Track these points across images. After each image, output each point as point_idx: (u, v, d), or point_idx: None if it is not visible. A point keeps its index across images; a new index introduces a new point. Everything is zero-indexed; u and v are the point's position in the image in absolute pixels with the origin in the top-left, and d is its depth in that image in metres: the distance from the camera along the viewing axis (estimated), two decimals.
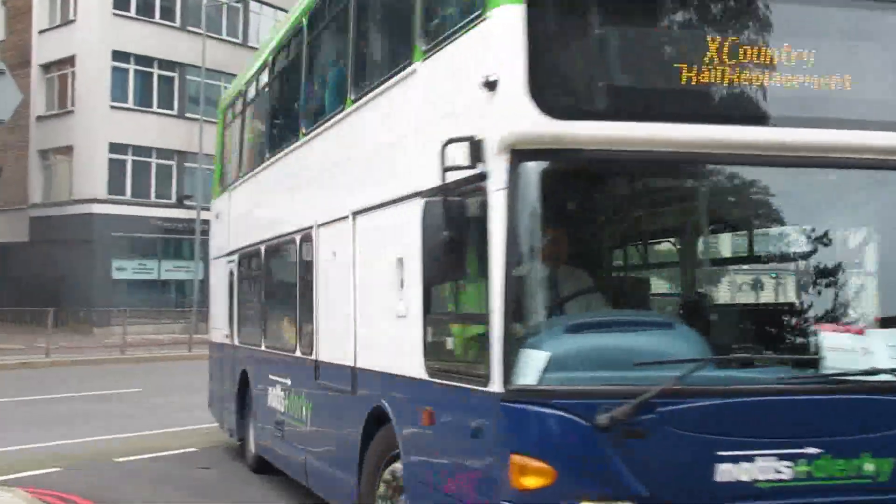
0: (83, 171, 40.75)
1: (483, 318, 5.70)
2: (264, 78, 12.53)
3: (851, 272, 6.40)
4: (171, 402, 19.27)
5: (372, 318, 7.94)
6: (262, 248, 11.97)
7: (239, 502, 10.97)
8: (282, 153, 11.04)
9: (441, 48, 6.56)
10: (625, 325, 5.99)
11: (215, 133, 16.72)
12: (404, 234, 6.96)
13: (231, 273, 13.88)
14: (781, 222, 6.66)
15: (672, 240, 7.59)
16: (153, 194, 42.33)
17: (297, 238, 10.18)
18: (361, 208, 8.14)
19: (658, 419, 5.33)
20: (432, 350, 6.63)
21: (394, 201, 7.30)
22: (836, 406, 5.63)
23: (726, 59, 5.70)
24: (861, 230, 6.45)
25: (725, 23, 5.93)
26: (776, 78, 5.82)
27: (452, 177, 5.78)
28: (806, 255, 6.49)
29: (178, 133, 41.97)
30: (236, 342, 13.45)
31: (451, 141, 5.79)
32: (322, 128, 9.45)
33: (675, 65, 5.68)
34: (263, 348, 11.92)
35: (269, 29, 39.58)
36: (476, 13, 5.98)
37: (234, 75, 16.43)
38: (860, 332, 5.92)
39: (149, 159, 42.22)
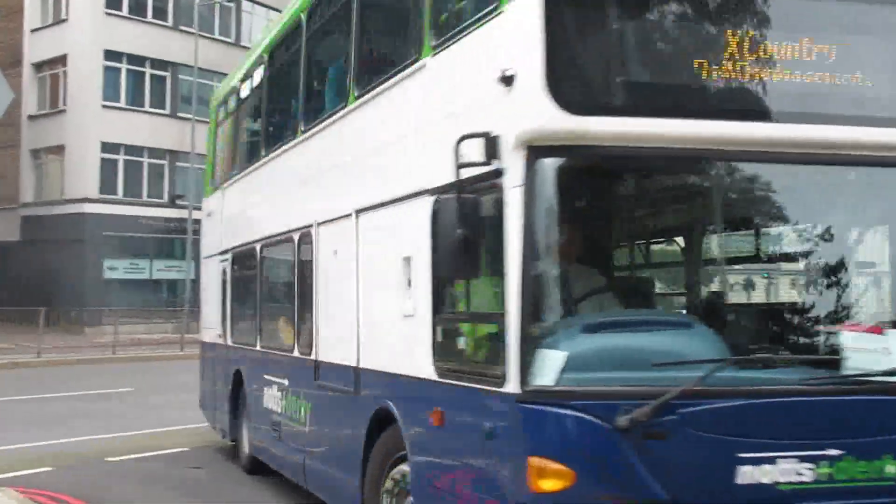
0: (75, 170, 40.66)
1: (498, 318, 5.60)
2: (259, 75, 12.29)
3: (871, 271, 6.36)
4: (163, 401, 19.22)
5: (376, 317, 7.83)
6: (258, 246, 11.81)
7: (232, 502, 10.95)
8: (278, 151, 10.90)
9: (452, 43, 6.46)
10: (642, 324, 5.91)
11: (207, 131, 16.53)
12: (412, 233, 6.87)
13: (224, 272, 13.66)
14: (800, 220, 6.51)
15: (689, 238, 7.41)
16: (145, 194, 42.24)
17: (296, 237, 10.03)
18: (365, 206, 8.02)
19: (678, 420, 5.23)
20: (442, 350, 6.51)
21: (400, 199, 7.20)
22: (858, 407, 5.54)
23: (747, 55, 5.61)
24: (880, 228, 6.37)
25: (746, 18, 5.80)
26: (797, 74, 5.72)
27: (466, 173, 5.69)
28: (825, 254, 6.36)
29: (170, 133, 41.89)
30: (229, 342, 13.24)
31: (465, 137, 5.68)
32: (322, 125, 9.31)
33: (695, 60, 5.58)
34: (259, 348, 11.75)
35: (261, 28, 39.56)
36: (491, 7, 5.88)
37: (227, 75, 16.18)
38: (880, 332, 5.87)
39: (141, 159, 42.13)
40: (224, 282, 13.65)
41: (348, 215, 8.32)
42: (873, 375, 5.66)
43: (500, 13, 5.76)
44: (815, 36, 5.74)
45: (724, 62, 5.58)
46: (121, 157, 41.35)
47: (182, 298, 38.44)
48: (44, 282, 39.13)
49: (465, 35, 6.26)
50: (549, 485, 5.21)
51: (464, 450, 6.13)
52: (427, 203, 6.55)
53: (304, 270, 9.76)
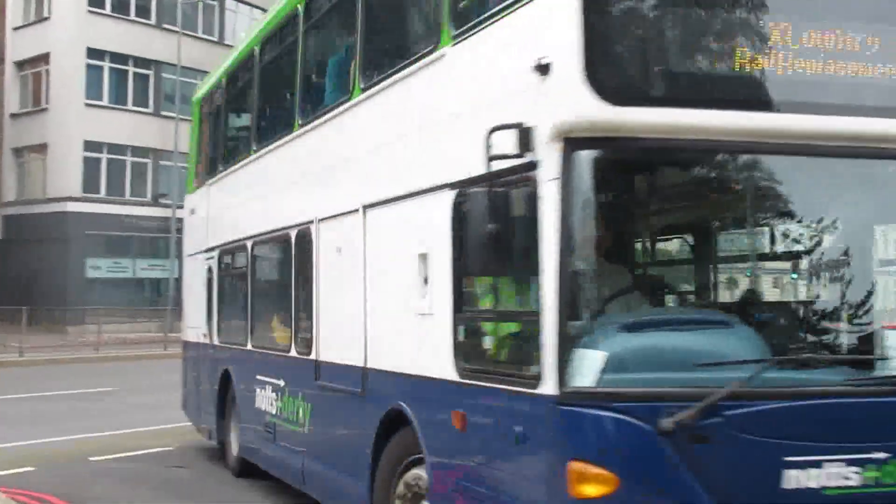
0: (57, 169, 40.50)
1: (532, 316, 5.39)
2: (250, 68, 11.97)
3: None
4: (146, 401, 19.18)
5: (386, 316, 7.60)
6: (249, 244, 11.55)
7: (218, 502, 10.92)
8: (271, 146, 10.66)
9: (477, 32, 6.23)
10: (681, 323, 5.74)
11: (189, 128, 16.23)
12: (428, 228, 6.70)
13: (210, 270, 13.42)
14: (843, 216, 6.24)
15: (729, 234, 7.20)
16: (128, 192, 42.10)
17: (293, 233, 9.77)
18: (374, 202, 7.78)
19: (723, 423, 5.04)
20: (464, 350, 6.30)
21: (415, 194, 6.99)
22: None
23: (791, 45, 5.43)
24: None
25: (791, 7, 5.62)
26: (843, 65, 5.53)
27: (494, 166, 5.49)
28: (867, 251, 6.16)
29: (153, 131, 41.76)
30: (216, 341, 13.02)
31: (496, 128, 5.47)
32: (322, 119, 9.07)
33: (738, 50, 5.40)
34: (250, 348, 11.51)
35: (245, 27, 39.48)
36: None
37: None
38: None
39: (124, 157, 41.98)
40: (210, 280, 13.40)
41: (354, 211, 8.08)
42: None
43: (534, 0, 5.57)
44: (859, 26, 5.57)
45: (768, 52, 5.42)
46: (104, 156, 41.19)
47: (166, 298, 38.31)
48: (26, 281, 38.93)
49: (493, 23, 6.03)
50: (590, 490, 5.01)
51: (490, 454, 5.92)
52: (447, 198, 6.36)
53: (303, 268, 9.52)
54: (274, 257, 11.22)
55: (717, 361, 5.26)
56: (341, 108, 8.54)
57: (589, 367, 5.13)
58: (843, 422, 5.23)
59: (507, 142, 5.43)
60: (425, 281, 6.79)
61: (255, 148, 11.35)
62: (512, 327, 5.98)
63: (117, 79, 42.16)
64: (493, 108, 5.84)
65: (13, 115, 42.51)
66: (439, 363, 6.43)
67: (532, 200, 5.37)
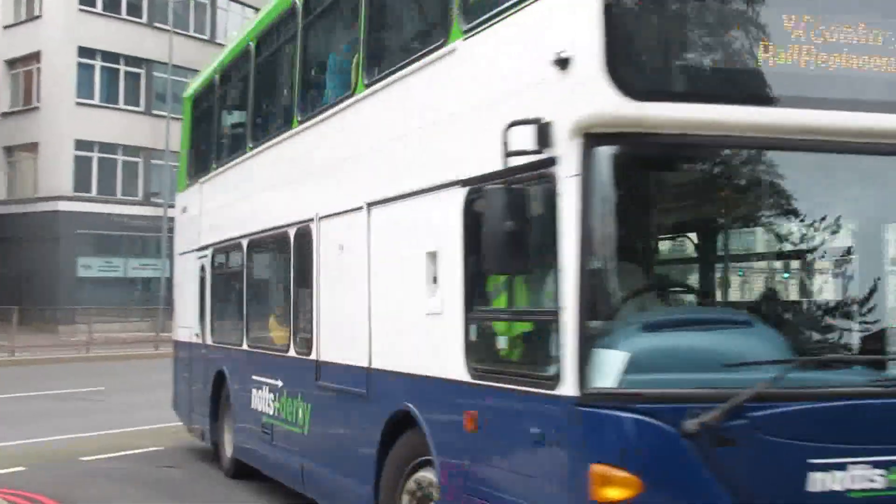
0: (48, 168, 40.43)
1: (551, 315, 5.28)
2: (245, 64, 11.73)
3: None
4: (137, 400, 19.14)
5: (392, 315, 7.46)
6: (244, 242, 11.35)
7: (210, 502, 10.90)
8: (268, 143, 10.49)
9: (492, 25, 6.09)
10: (703, 322, 5.58)
11: (181, 125, 15.98)
12: (438, 226, 6.58)
13: (203, 269, 13.18)
14: (869, 214, 6.11)
15: (751, 232, 6.99)
16: (119, 192, 42.02)
17: (291, 231, 9.58)
18: (379, 199, 7.62)
19: (748, 425, 4.93)
20: (476, 350, 6.16)
21: (423, 191, 6.86)
22: None
23: (816, 40, 5.32)
24: None
25: (815, 1, 5.47)
26: (869, 61, 5.41)
27: (511, 163, 5.41)
28: (891, 249, 6.04)
29: (144, 130, 41.69)
30: (209, 341, 12.82)
31: (514, 124, 5.36)
32: (322, 116, 8.93)
33: (763, 44, 5.30)
34: (245, 348, 11.32)
35: (237, 25, 39.41)
36: None
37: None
38: None
39: (115, 156, 41.92)
40: (203, 279, 13.17)
41: (358, 209, 7.93)
42: None
43: None
44: (883, 20, 5.46)
45: (792, 47, 5.30)
46: (95, 155, 41.12)
47: (157, 297, 38.24)
48: (17, 280, 38.85)
49: (508, 16, 5.90)
50: (613, 494, 4.88)
51: (505, 455, 5.82)
52: (458, 195, 6.24)
53: (302, 267, 9.35)
54: (271, 256, 11.06)
55: (743, 362, 5.14)
56: (343, 105, 8.42)
57: (610, 367, 5.02)
58: (869, 423, 5.14)
59: (524, 137, 5.33)
60: (434, 280, 6.67)
61: (250, 145, 11.18)
62: (528, 327, 5.86)
63: (108, 78, 42.10)
64: (508, 103, 5.73)
65: (4, 114, 42.47)
66: (449, 363, 6.32)
67: (551, 197, 5.27)
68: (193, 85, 15.11)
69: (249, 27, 12.07)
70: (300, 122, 9.46)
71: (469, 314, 6.21)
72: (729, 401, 4.88)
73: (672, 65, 5.33)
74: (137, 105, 42.85)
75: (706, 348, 5.27)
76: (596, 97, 5.08)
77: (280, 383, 9.98)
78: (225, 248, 12.37)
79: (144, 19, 42.93)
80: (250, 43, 11.44)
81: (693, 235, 7.11)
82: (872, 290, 5.97)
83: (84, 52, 40.78)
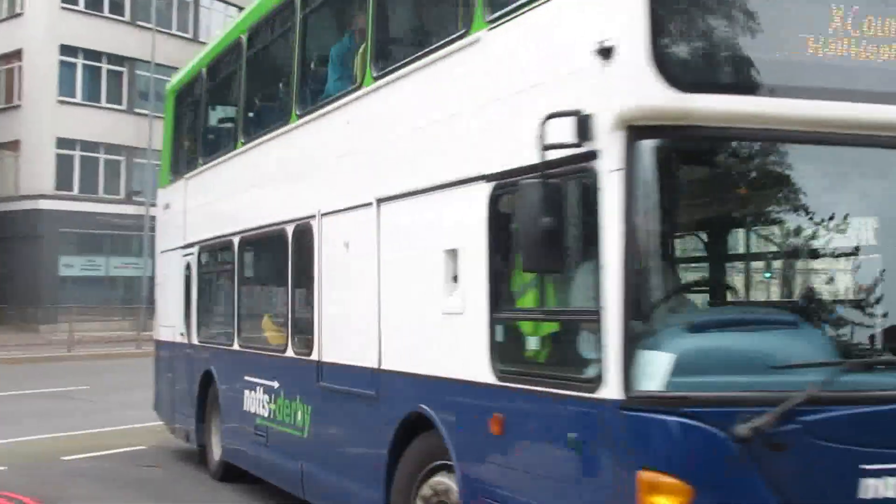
0: (30, 166, 40.25)
1: (591, 315, 5.09)
2: (235, 58, 11.38)
3: None
4: (119, 400, 19.08)
5: (405, 315, 7.22)
6: (235, 239, 11.04)
7: (194, 502, 10.86)
8: (262, 139, 10.21)
9: (520, 14, 5.88)
10: (748, 323, 5.36)
11: (163, 119, 15.58)
12: (460, 223, 6.36)
13: (188, 267, 12.84)
14: None
15: (799, 229, 6.51)
16: (101, 190, 41.89)
17: (289, 229, 9.31)
18: (390, 195, 7.37)
19: (800, 429, 4.75)
20: (503, 351, 5.95)
21: (442, 186, 6.63)
22: None
23: (868, 32, 5.16)
24: None
25: None
26: None
27: (548, 156, 5.18)
28: None
29: (126, 128, 41.53)
30: (195, 341, 12.49)
31: (552, 116, 5.15)
32: (325, 110, 8.67)
33: (815, 35, 5.12)
34: (237, 348, 11.02)
35: (220, 24, 39.34)
36: None
37: None
38: None
39: (97, 155, 41.76)
40: (188, 278, 12.84)
41: (367, 205, 7.67)
42: None
43: None
44: None
45: (842, 38, 5.16)
46: (77, 153, 40.98)
47: (139, 296, 38.12)
48: None
49: (539, 5, 5.70)
50: (662, 501, 4.71)
51: (536, 460, 5.60)
52: (482, 190, 6.04)
53: (301, 265, 9.11)
54: (266, 254, 10.79)
55: (792, 364, 4.97)
56: (349, 98, 8.17)
57: (656, 369, 4.84)
58: None
59: (563, 130, 5.13)
60: (454, 279, 6.46)
61: (242, 140, 10.92)
62: (563, 327, 5.64)
63: (91, 76, 41.93)
64: (541, 95, 5.54)
65: None
66: (471, 365, 6.11)
67: (591, 192, 5.08)
68: (177, 79, 14.63)
69: (240, 19, 11.72)
70: (299, 117, 9.21)
71: (495, 314, 5.99)
72: (781, 404, 4.71)
73: (718, 55, 5.16)
74: (120, 103, 42.70)
75: (753, 350, 5.09)
76: (641, 88, 4.91)
77: (276, 384, 9.71)
78: (213, 246, 12.08)
79: (127, 17, 42.76)
80: (242, 36, 11.13)
81: (737, 232, 6.89)
82: None
83: (66, 50, 40.60)
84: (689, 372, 4.84)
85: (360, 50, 8.08)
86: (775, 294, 6.74)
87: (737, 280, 6.92)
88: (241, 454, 10.80)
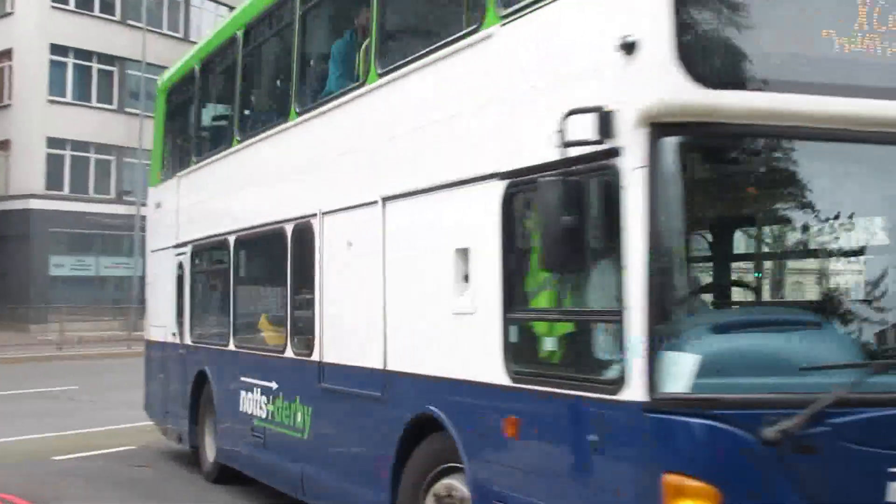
0: (20, 165, 40.14)
1: (612, 315, 5.02)
2: (231, 54, 11.17)
3: None
4: (109, 399, 19.06)
5: (412, 315, 7.09)
6: (231, 238, 10.87)
7: (185, 502, 10.86)
8: (260, 136, 10.04)
9: (537, 9, 5.77)
10: (773, 324, 5.28)
11: (154, 117, 15.31)
12: (471, 221, 6.26)
13: (181, 266, 12.62)
14: None
15: (823, 228, 6.37)
16: (92, 190, 41.81)
17: (288, 227, 9.15)
18: (396, 193, 7.25)
19: (828, 432, 4.67)
20: (517, 352, 5.84)
21: (452, 184, 6.52)
22: None
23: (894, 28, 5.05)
24: None
25: None
26: None
27: (562, 154, 5.09)
28: None
29: (117, 128, 41.46)
30: (188, 341, 12.30)
31: (572, 112, 5.04)
32: (326, 107, 8.53)
33: (844, 30, 5.04)
34: (232, 348, 10.85)
35: (211, 23, 39.29)
36: None
37: None
38: None
39: (87, 154, 41.67)
40: (181, 277, 12.64)
41: (372, 203, 7.54)
42: None
43: None
44: None
45: (870, 35, 5.06)
46: (67, 153, 40.89)
47: (129, 296, 38.07)
48: None
49: (556, 0, 5.61)
50: None
51: (553, 464, 5.48)
52: (495, 188, 5.94)
53: (301, 264, 8.96)
54: (263, 253, 10.61)
55: (819, 365, 4.88)
56: (352, 95, 8.05)
57: (680, 370, 4.75)
58: None
59: (583, 127, 5.02)
60: (465, 278, 6.34)
61: (238, 138, 10.72)
62: (583, 327, 5.49)
63: (81, 75, 41.82)
64: (560, 91, 5.44)
65: None
66: (483, 366, 6.01)
67: (612, 190, 4.98)
68: (169, 76, 14.37)
69: (236, 16, 11.47)
70: (299, 114, 9.07)
71: (508, 314, 5.88)
72: (810, 406, 4.63)
73: (744, 51, 5.03)
74: (110, 103, 42.61)
75: (778, 351, 5.00)
76: (665, 84, 4.83)
77: (274, 385, 9.56)
78: (208, 245, 11.91)
79: (117, 16, 42.68)
80: (237, 32, 10.92)
81: (761, 231, 6.79)
82: None
83: (56, 49, 40.50)
84: (713, 373, 4.77)
85: (363, 46, 7.98)
86: (800, 294, 6.65)
87: (761, 280, 6.81)
88: (236, 455, 10.66)
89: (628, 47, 4.91)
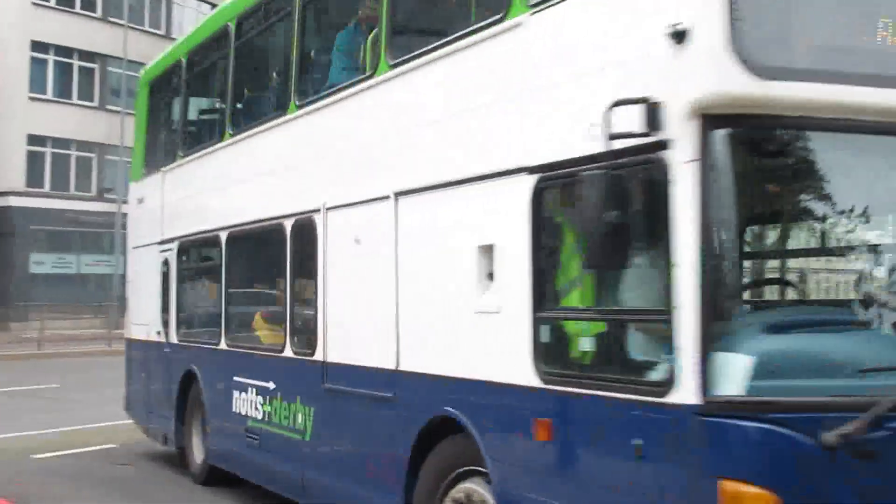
0: (0, 163, 39.93)
1: (660, 315, 4.82)
2: (222, 46, 10.83)
3: None
4: (90, 397, 18.97)
5: (428, 314, 6.85)
6: (223, 234, 10.54)
7: (166, 500, 10.83)
8: (255, 130, 9.79)
9: None
10: (830, 323, 5.13)
11: (136, 110, 14.93)
12: (497, 217, 6.04)
13: (166, 263, 12.23)
14: None
15: (881, 224, 6.16)
16: (73, 187, 41.66)
17: (288, 223, 8.88)
18: (410, 188, 7.02)
19: (890, 436, 4.48)
20: (548, 352, 5.63)
21: (474, 179, 6.29)
22: None
23: None
24: None
25: None
26: None
27: (599, 148, 4.91)
28: None
29: (98, 125, 41.32)
30: (174, 340, 11.97)
31: (619, 103, 4.84)
32: (330, 99, 8.27)
33: None
34: (224, 347, 10.55)
35: (193, 21, 39.16)
36: None
37: None
38: None
39: (68, 152, 41.54)
40: (166, 274, 12.26)
41: (383, 198, 7.29)
42: None
43: None
44: None
45: None
46: (48, 150, 40.75)
47: (111, 294, 37.93)
48: None
49: None
50: None
51: (592, 469, 5.30)
52: (524, 183, 5.73)
53: (302, 261, 8.71)
54: (259, 249, 10.28)
55: (883, 367, 4.71)
56: (359, 88, 7.79)
57: (734, 372, 4.58)
58: None
59: (628, 119, 4.83)
60: (489, 276, 6.13)
61: (231, 132, 10.46)
62: (625, 327, 5.28)
63: (62, 72, 41.68)
64: (600, 82, 5.24)
65: None
66: (510, 366, 5.81)
67: (659, 185, 4.79)
68: (152, 68, 13.90)
69: (226, 7, 11.10)
70: (299, 107, 8.81)
71: (539, 313, 5.66)
72: (871, 409, 4.44)
73: (800, 40, 4.89)
74: (91, 100, 42.46)
75: (835, 351, 4.86)
76: (718, 74, 4.65)
77: (272, 385, 9.30)
78: (196, 242, 11.61)
79: (99, 13, 42.53)
80: (229, 23, 10.61)
81: (816, 228, 6.44)
82: None
83: (37, 46, 40.31)
84: (768, 375, 4.61)
85: (371, 37, 7.78)
86: (857, 292, 6.33)
87: (817, 278, 6.60)
88: (229, 456, 10.42)
89: (679, 35, 4.72)
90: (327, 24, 9.08)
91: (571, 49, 5.57)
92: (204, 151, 11.29)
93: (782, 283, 5.93)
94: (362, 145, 7.83)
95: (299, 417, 8.65)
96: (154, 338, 12.64)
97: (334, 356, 8.13)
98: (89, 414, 16.71)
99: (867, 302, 5.88)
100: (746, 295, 5.22)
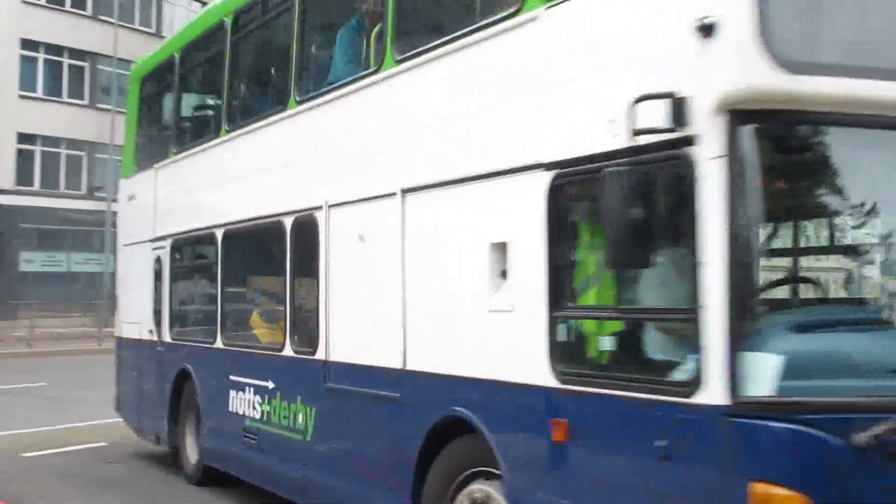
0: None
1: (686, 314, 4.74)
2: (218, 41, 10.67)
3: None
4: (79, 396, 18.94)
5: (436, 313, 6.75)
6: (218, 232, 10.38)
7: (157, 499, 10.83)
8: (252, 127, 9.64)
9: None
10: (861, 322, 5.04)
11: (127, 106, 14.73)
12: (509, 215, 5.95)
13: (159, 261, 12.04)
14: None
15: None
16: (63, 185, 41.59)
17: (287, 220, 8.74)
18: (418, 185, 6.91)
19: None
20: (565, 351, 5.55)
21: (486, 175, 6.19)
22: None
23: None
24: None
25: None
26: None
27: (620, 144, 4.86)
28: None
29: (88, 124, 41.26)
30: (167, 338, 11.78)
31: (643, 98, 4.76)
32: (332, 95, 8.15)
33: None
34: (220, 346, 10.40)
35: (183, 19, 39.10)
36: None
37: None
38: None
39: (58, 150, 41.46)
40: (158, 272, 12.07)
41: (389, 195, 7.18)
42: None
43: None
44: None
45: None
46: (38, 148, 40.67)
47: (101, 292, 37.86)
48: None
49: None
50: None
51: (613, 471, 5.19)
52: (539, 179, 5.63)
53: (303, 259, 8.55)
54: (256, 247, 10.15)
55: None
56: (364, 83, 7.68)
57: (763, 372, 4.50)
58: None
59: (653, 114, 4.75)
60: (502, 274, 6.04)
61: (227, 128, 10.29)
62: (647, 326, 5.19)
63: (52, 70, 41.60)
64: (622, 77, 5.15)
65: None
66: (524, 366, 5.73)
67: (686, 181, 4.71)
68: (144, 64, 13.67)
69: (221, 2, 10.91)
70: (299, 103, 8.69)
71: (555, 312, 5.57)
72: None
73: (830, 34, 4.81)
74: (81, 98, 42.39)
75: (866, 351, 4.76)
76: (747, 69, 4.56)
77: (271, 384, 9.15)
78: (190, 239, 11.43)
79: (89, 12, 42.45)
80: (225, 18, 10.44)
81: (846, 225, 6.29)
82: None
83: (27, 44, 40.22)
84: (798, 375, 4.52)
85: (375, 32, 7.70)
86: (886, 291, 6.23)
87: (848, 276, 6.43)
88: (225, 456, 10.26)
89: (706, 29, 4.63)
90: (328, 19, 8.94)
91: (590, 43, 5.48)
92: (199, 148, 11.13)
93: (810, 281, 5.88)
94: (367, 142, 7.73)
95: (300, 417, 8.55)
96: (146, 336, 12.46)
97: (337, 355, 8.03)
98: (78, 412, 16.67)
99: (882, 303, 5.80)
100: (774, 293, 5.17)
